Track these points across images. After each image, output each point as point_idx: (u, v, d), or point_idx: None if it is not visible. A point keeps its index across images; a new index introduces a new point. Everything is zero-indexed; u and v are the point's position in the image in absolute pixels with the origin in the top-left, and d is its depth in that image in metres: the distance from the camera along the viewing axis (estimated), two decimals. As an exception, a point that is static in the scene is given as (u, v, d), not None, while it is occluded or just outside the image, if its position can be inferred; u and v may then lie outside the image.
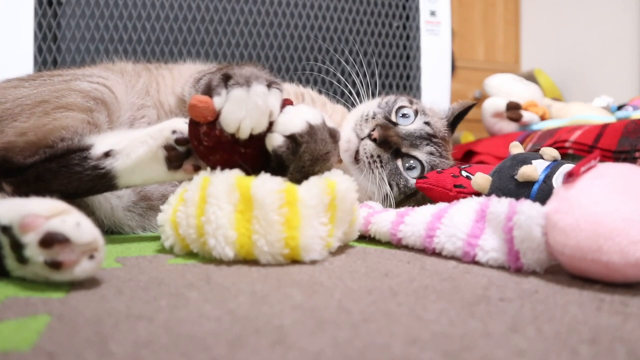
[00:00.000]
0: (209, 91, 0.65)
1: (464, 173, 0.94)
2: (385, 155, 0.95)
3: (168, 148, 0.69)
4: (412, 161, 0.97)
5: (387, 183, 0.95)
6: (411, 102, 1.04)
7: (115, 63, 1.03)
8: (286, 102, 0.69)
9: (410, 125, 0.99)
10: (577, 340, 0.37)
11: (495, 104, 2.32)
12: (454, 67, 2.36)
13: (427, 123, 1.00)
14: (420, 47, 1.95)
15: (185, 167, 0.70)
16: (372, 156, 0.94)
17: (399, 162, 0.97)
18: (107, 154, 0.68)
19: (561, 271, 0.58)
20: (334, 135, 0.70)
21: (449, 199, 0.84)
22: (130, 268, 0.58)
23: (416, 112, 1.02)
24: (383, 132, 0.94)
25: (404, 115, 1.00)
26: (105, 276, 0.54)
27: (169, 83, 0.98)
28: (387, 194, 0.96)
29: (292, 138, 0.65)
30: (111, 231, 0.83)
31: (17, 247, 0.48)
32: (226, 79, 0.64)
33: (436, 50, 1.98)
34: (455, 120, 1.11)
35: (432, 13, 1.96)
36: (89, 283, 0.50)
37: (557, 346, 0.36)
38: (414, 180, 0.96)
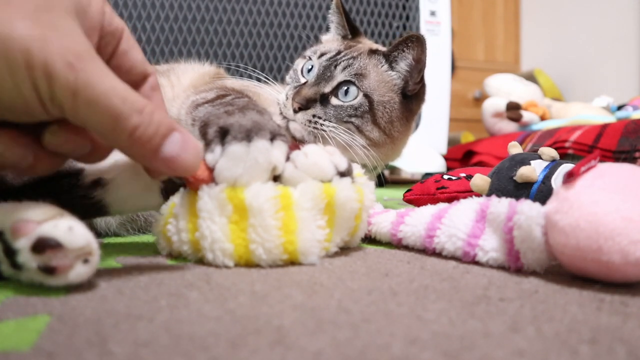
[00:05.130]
0: (204, 138, 0.62)
1: (445, 177, 0.97)
2: (318, 109, 0.92)
3: (164, 180, 0.64)
4: (341, 89, 0.94)
5: (343, 123, 0.93)
6: (305, 57, 1.01)
7: None
8: (292, 147, 0.64)
9: (314, 70, 0.97)
10: (577, 340, 0.37)
11: (495, 104, 2.32)
12: (454, 67, 2.36)
13: (322, 54, 0.97)
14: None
15: None
16: (309, 122, 0.91)
17: (334, 100, 0.94)
18: (97, 182, 0.64)
19: (561, 271, 0.58)
20: (346, 175, 0.65)
21: (435, 202, 0.86)
22: (130, 268, 0.58)
23: (305, 57, 1.00)
24: (299, 97, 0.91)
25: (309, 71, 0.98)
26: (105, 276, 0.54)
27: (169, 96, 0.95)
28: (358, 127, 0.94)
29: None
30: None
31: (10, 253, 0.47)
32: (223, 134, 0.60)
33: (436, 50, 1.98)
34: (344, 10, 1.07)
35: (432, 13, 1.96)
36: (88, 283, 0.50)
37: (557, 346, 0.36)
38: (360, 97, 0.94)
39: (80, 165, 0.65)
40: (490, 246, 0.60)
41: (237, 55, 1.71)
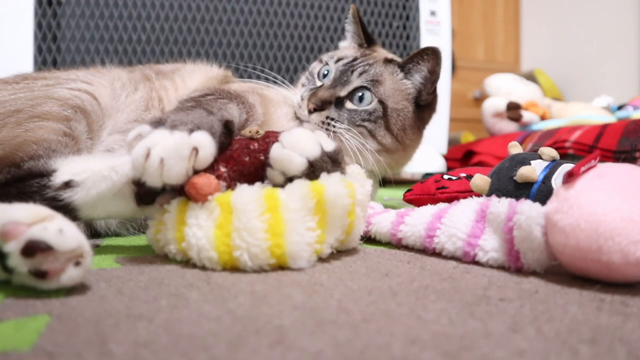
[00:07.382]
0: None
1: (445, 177, 0.98)
2: (332, 111, 0.94)
3: (138, 183, 0.61)
4: (356, 94, 0.96)
5: (356, 127, 0.94)
6: (322, 62, 1.04)
7: (110, 69, 0.98)
8: (272, 136, 0.65)
9: (330, 73, 0.99)
10: (577, 340, 0.37)
11: (495, 104, 2.32)
12: (454, 67, 2.36)
13: (339, 59, 1.01)
14: (420, 47, 1.95)
15: (159, 201, 0.63)
16: (323, 122, 0.93)
17: (349, 104, 0.96)
18: (67, 184, 0.62)
19: (561, 271, 0.58)
20: (335, 158, 0.65)
21: (435, 202, 0.87)
22: (130, 268, 0.58)
23: (322, 61, 1.03)
24: (315, 99, 0.93)
25: (325, 76, 1.00)
26: (105, 276, 0.54)
27: (173, 98, 0.95)
28: (370, 131, 0.95)
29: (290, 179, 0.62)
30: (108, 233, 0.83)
31: (1, 256, 0.46)
32: (157, 124, 0.60)
33: (436, 50, 1.97)
34: (362, 26, 1.11)
35: (432, 13, 1.96)
36: (88, 283, 0.50)
37: (557, 346, 0.36)
38: (375, 103, 0.95)
39: (55, 165, 0.64)
40: (490, 246, 0.60)
41: (237, 56, 1.71)
